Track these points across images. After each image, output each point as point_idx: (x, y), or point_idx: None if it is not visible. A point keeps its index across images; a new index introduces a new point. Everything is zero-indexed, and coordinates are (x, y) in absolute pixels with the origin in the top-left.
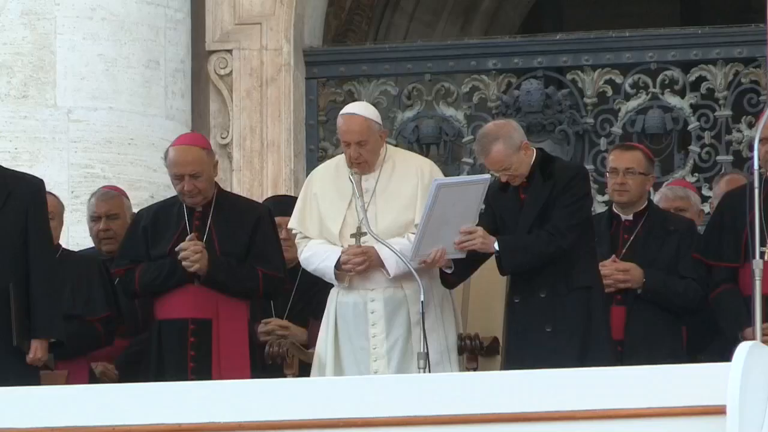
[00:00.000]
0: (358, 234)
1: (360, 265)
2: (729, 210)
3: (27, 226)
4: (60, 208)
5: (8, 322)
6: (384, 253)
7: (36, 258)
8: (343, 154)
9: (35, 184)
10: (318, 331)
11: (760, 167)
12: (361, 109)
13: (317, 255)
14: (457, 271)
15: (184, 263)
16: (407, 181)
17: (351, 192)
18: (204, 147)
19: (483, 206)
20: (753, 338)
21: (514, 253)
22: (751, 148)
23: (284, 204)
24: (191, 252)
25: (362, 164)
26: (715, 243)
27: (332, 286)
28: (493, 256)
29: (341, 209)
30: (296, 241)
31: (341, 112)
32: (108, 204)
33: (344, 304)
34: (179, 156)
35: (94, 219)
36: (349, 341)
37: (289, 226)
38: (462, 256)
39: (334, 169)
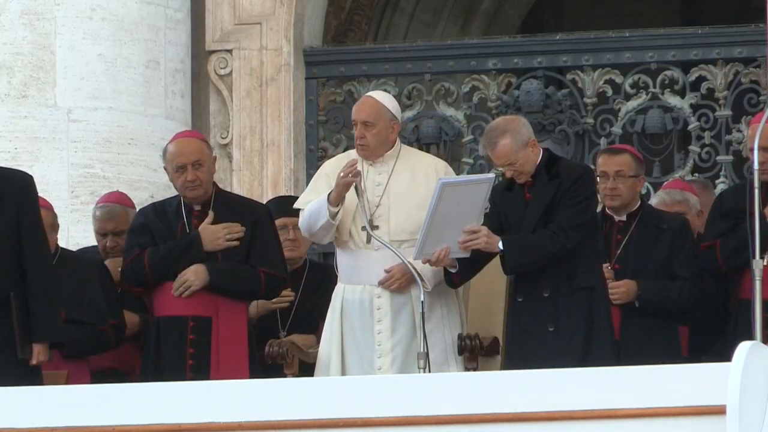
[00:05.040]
0: (371, 226)
1: (396, 283)
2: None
3: (20, 225)
4: (51, 218)
5: (9, 325)
6: (419, 266)
7: (32, 259)
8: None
9: (25, 182)
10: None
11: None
12: (378, 94)
13: (309, 208)
14: (461, 271)
15: (181, 288)
16: (422, 180)
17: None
18: (203, 140)
19: (488, 205)
20: None
21: (519, 253)
22: (751, 148)
23: (287, 204)
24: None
25: (365, 148)
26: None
27: (335, 284)
28: (498, 256)
29: (353, 198)
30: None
31: None
32: (114, 222)
33: (350, 301)
34: (181, 146)
35: (101, 234)
36: (354, 338)
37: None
38: (466, 255)
39: (346, 158)
